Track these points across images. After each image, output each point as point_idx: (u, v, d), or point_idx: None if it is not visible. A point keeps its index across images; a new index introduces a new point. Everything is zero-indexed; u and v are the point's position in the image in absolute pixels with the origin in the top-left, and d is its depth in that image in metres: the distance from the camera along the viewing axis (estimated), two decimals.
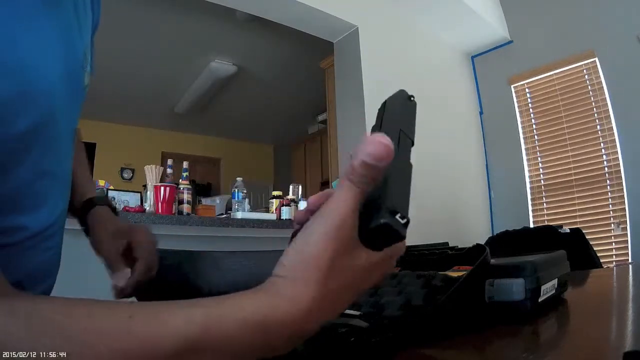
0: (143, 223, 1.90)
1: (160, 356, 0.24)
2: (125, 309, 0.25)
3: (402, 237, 0.29)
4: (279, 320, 0.28)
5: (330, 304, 0.30)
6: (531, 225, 3.65)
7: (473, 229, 3.80)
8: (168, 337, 0.25)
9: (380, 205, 0.28)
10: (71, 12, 0.51)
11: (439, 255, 0.78)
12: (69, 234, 1.80)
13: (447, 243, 1.51)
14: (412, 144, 0.34)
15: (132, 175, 6.47)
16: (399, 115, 0.34)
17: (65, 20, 0.50)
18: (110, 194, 2.22)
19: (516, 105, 4.00)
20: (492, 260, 0.71)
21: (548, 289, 0.70)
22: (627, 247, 3.24)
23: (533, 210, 3.83)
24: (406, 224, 0.29)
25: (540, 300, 0.67)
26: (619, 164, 3.32)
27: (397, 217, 0.28)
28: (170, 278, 1.02)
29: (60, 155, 0.51)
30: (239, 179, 2.42)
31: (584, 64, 3.55)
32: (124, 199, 2.19)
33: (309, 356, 0.41)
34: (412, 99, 0.35)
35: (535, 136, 3.88)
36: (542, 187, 3.80)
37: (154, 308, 0.26)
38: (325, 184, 5.56)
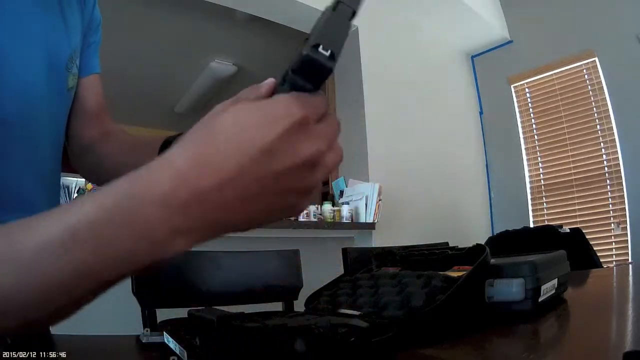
0: None
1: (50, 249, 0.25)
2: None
3: (328, 69, 0.27)
4: (146, 187, 0.25)
5: (213, 171, 0.25)
6: (531, 225, 3.65)
7: (473, 229, 3.80)
8: (52, 226, 0.25)
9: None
10: (57, 13, 0.53)
11: (439, 255, 0.78)
12: None
13: (447, 243, 1.52)
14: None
15: None
16: None
17: (50, 22, 0.51)
18: None
19: (516, 105, 4.00)
20: (492, 260, 0.71)
21: (548, 289, 0.70)
22: (627, 247, 3.24)
23: (533, 210, 3.83)
24: (332, 56, 0.26)
25: (540, 300, 0.67)
26: (619, 163, 3.32)
27: (320, 49, 0.26)
28: (170, 278, 1.02)
29: (43, 155, 0.52)
30: None
31: (584, 63, 3.54)
32: None
33: (309, 356, 0.41)
34: None
35: (535, 136, 3.88)
36: (542, 187, 3.80)
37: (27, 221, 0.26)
38: (325, 184, 5.55)
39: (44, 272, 0.25)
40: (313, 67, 0.27)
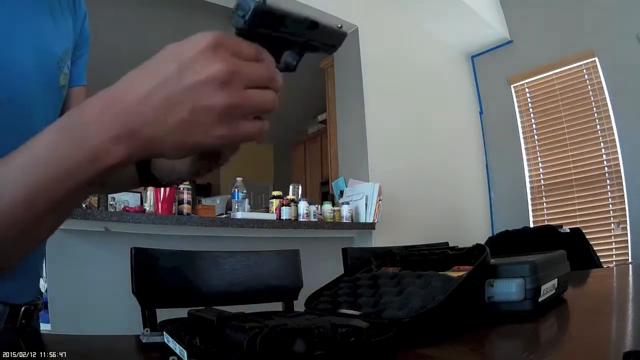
0: (142, 223, 1.90)
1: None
2: None
3: (248, 7, 0.31)
4: (85, 109, 0.31)
5: (135, 88, 0.30)
6: (531, 225, 3.65)
7: (473, 229, 3.80)
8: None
9: None
10: (47, 16, 0.55)
11: (439, 255, 0.78)
12: (69, 233, 1.80)
13: (447, 243, 1.52)
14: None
15: None
16: None
17: (40, 22, 0.54)
18: (110, 194, 2.22)
19: (516, 105, 4.00)
20: (492, 260, 0.71)
21: (548, 289, 0.70)
22: (627, 247, 3.24)
23: (533, 210, 3.83)
24: (260, 2, 0.31)
25: (540, 300, 0.67)
26: (619, 163, 3.32)
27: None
28: (170, 278, 1.02)
29: None
30: (239, 179, 2.42)
31: (584, 63, 3.55)
32: (124, 199, 2.18)
33: (309, 356, 0.41)
34: None
35: (535, 136, 3.88)
36: (542, 187, 3.80)
37: None
38: (325, 184, 5.56)
39: (8, 193, 0.30)
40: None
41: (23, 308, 0.55)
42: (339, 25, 0.38)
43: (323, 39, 0.38)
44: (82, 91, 0.69)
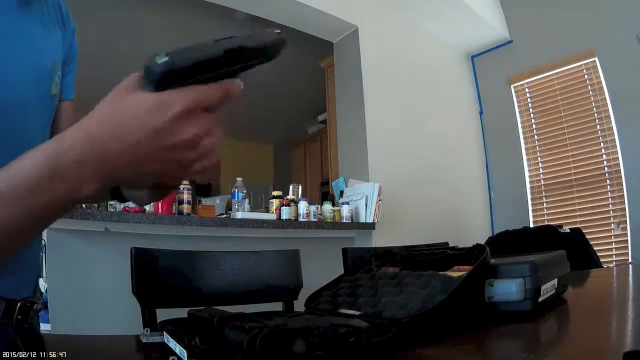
0: (142, 223, 1.90)
1: None
2: None
3: (156, 72, 0.34)
4: (66, 148, 0.35)
5: (118, 139, 0.35)
6: (531, 225, 3.65)
7: (473, 229, 3.80)
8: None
9: None
10: (37, 26, 0.57)
11: (439, 255, 0.78)
12: (69, 233, 1.80)
13: (447, 243, 1.52)
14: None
15: None
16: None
17: (32, 32, 0.55)
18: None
19: (516, 105, 4.00)
20: (492, 260, 0.71)
21: (548, 289, 0.70)
22: (627, 247, 3.24)
23: (533, 210, 3.83)
24: (165, 64, 0.34)
25: (540, 300, 0.67)
26: (619, 164, 3.32)
27: (156, 58, 0.34)
28: (170, 278, 1.02)
29: None
30: (239, 179, 2.42)
31: (584, 63, 3.55)
32: None
33: (309, 356, 0.41)
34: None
35: (535, 136, 3.88)
36: (542, 187, 3.80)
37: None
38: (325, 184, 5.56)
39: None
40: (147, 71, 0.35)
41: (19, 304, 0.55)
42: (277, 31, 0.39)
43: (252, 58, 0.38)
44: (70, 105, 0.71)
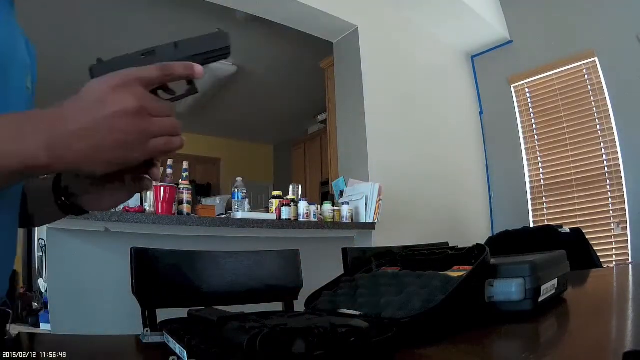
0: (142, 223, 1.90)
1: None
2: None
3: (91, 71, 0.44)
4: (29, 113, 0.39)
5: (69, 105, 0.39)
6: (531, 225, 3.65)
7: (473, 229, 3.80)
8: None
9: None
10: (16, 27, 0.57)
11: (439, 255, 0.78)
12: (69, 233, 1.80)
13: (447, 243, 1.52)
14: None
15: None
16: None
17: (14, 29, 0.56)
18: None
19: (516, 105, 4.00)
20: (492, 260, 0.71)
21: (548, 289, 0.70)
22: (627, 247, 3.24)
23: (533, 210, 3.83)
24: (98, 62, 0.45)
25: (540, 300, 0.67)
26: (619, 163, 3.32)
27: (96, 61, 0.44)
28: (170, 278, 1.02)
29: None
30: (239, 179, 2.42)
31: (584, 63, 3.54)
32: None
33: (310, 356, 0.41)
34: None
35: (535, 136, 3.88)
36: (542, 187, 3.80)
37: None
38: (325, 184, 5.56)
39: None
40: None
41: None
42: (217, 29, 0.46)
43: (190, 52, 0.46)
44: None
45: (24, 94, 0.56)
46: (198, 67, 0.45)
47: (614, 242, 3.32)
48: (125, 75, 0.40)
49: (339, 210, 2.67)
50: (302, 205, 2.48)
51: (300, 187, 2.69)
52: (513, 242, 2.42)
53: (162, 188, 2.00)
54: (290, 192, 2.56)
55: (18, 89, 0.53)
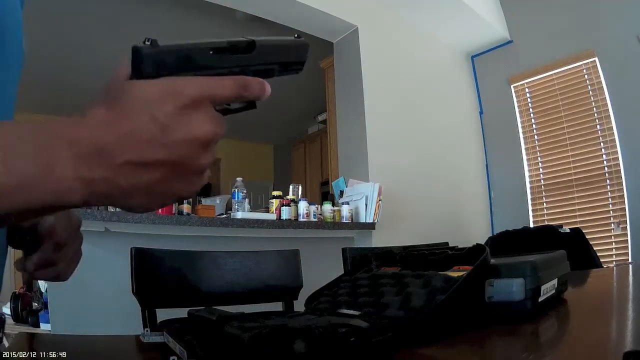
0: (142, 223, 1.90)
1: None
2: None
3: (141, 55, 0.29)
4: (60, 126, 0.27)
5: (116, 122, 0.28)
6: (531, 225, 3.65)
7: (473, 229, 3.80)
8: None
9: None
10: None
11: (439, 255, 0.78)
12: None
13: (447, 243, 1.52)
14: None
15: None
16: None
17: None
18: None
19: (516, 105, 4.00)
20: (492, 260, 0.71)
21: (548, 289, 0.70)
22: (627, 247, 3.24)
23: (533, 210, 3.83)
24: (151, 45, 0.29)
25: (540, 300, 0.67)
26: (619, 163, 3.32)
27: (145, 42, 0.29)
28: (170, 278, 1.02)
29: None
30: (239, 179, 2.42)
31: (584, 63, 3.54)
32: None
33: (309, 356, 0.41)
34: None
35: (535, 136, 3.88)
36: (542, 187, 3.80)
37: None
38: (325, 184, 5.56)
39: None
40: (135, 54, 0.30)
41: None
42: (296, 35, 0.36)
43: (268, 59, 0.35)
44: None
45: (20, 56, 0.50)
46: (268, 87, 0.35)
47: (614, 242, 3.32)
48: (198, 93, 0.29)
49: (339, 210, 2.67)
50: (302, 205, 2.48)
51: (300, 187, 2.69)
52: (513, 242, 2.42)
53: None
54: (290, 192, 2.56)
55: (16, 52, 0.47)
